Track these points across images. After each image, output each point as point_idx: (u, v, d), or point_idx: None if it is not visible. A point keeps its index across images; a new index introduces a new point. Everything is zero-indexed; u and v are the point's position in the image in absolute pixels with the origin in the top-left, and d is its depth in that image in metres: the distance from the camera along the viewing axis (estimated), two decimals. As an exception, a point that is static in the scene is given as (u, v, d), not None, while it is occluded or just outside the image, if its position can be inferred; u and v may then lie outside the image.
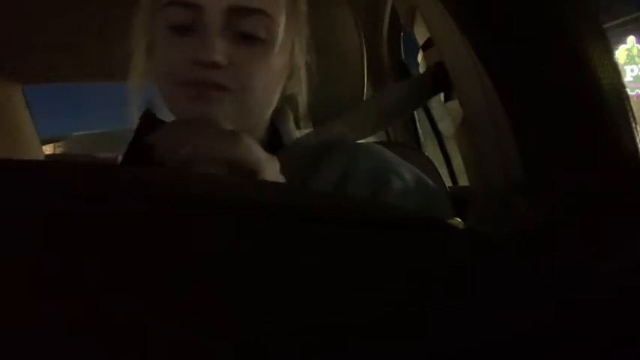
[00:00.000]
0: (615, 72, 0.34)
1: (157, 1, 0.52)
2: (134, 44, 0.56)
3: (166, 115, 0.57)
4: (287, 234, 0.21)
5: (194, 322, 0.18)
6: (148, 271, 0.19)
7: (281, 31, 0.52)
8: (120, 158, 0.62)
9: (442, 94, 0.68)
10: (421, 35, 0.66)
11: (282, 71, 0.55)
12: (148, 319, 0.18)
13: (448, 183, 1.20)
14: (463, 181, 1.41)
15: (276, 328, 0.18)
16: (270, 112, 0.56)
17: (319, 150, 0.57)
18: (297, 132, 0.62)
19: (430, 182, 0.57)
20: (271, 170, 0.44)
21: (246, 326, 0.18)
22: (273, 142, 0.58)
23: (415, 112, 1.42)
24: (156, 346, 0.18)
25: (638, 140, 0.34)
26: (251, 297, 0.19)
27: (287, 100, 0.62)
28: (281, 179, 0.46)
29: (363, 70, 0.71)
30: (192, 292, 0.19)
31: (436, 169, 0.99)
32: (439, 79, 0.61)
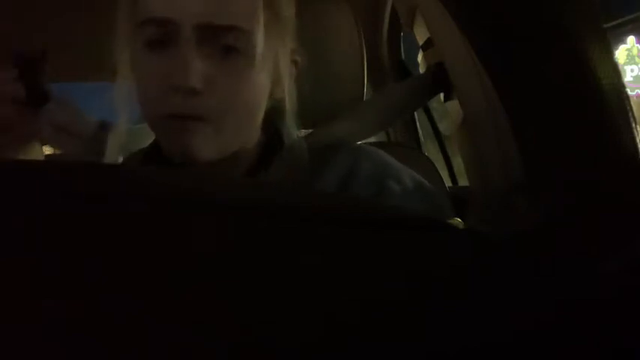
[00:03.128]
0: (615, 72, 0.34)
1: (133, 18, 0.51)
2: (117, 59, 0.54)
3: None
4: (287, 234, 0.21)
5: (194, 322, 0.18)
6: (148, 271, 0.19)
7: (260, 44, 0.50)
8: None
9: (442, 94, 0.68)
10: (421, 35, 0.66)
11: (265, 85, 0.53)
12: (148, 319, 0.18)
13: (448, 183, 1.20)
14: (463, 181, 1.41)
15: (276, 328, 0.18)
16: (256, 126, 0.55)
17: (322, 151, 0.57)
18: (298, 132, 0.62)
19: (429, 185, 0.57)
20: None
21: (246, 326, 0.18)
22: (274, 142, 0.58)
23: (415, 112, 1.42)
24: (156, 346, 0.18)
25: (638, 140, 0.34)
26: (251, 297, 0.19)
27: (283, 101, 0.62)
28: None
29: (363, 70, 0.71)
30: (192, 292, 0.19)
31: (436, 169, 0.99)
32: (439, 79, 0.61)
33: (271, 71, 0.54)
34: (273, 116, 0.59)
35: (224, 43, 0.49)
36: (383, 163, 0.57)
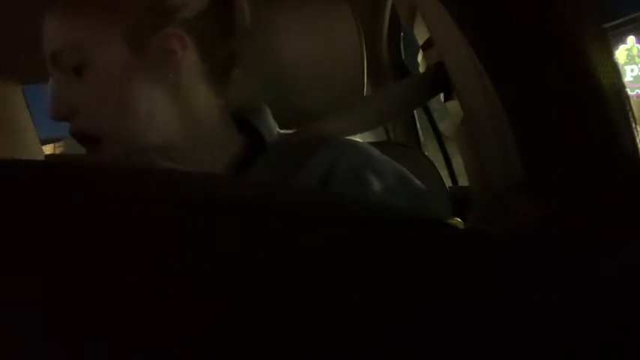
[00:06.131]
0: (615, 72, 0.34)
1: None
2: None
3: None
4: (292, 234, 0.21)
5: (196, 322, 0.18)
6: (168, 272, 0.19)
7: (109, 52, 0.50)
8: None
9: (442, 94, 0.68)
10: (421, 35, 0.66)
11: (135, 81, 0.51)
12: (150, 319, 0.18)
13: (448, 183, 1.20)
14: (463, 181, 1.41)
15: (278, 326, 0.18)
16: (158, 124, 0.53)
17: (305, 147, 0.56)
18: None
19: (416, 182, 0.57)
20: None
21: (249, 325, 0.18)
22: (256, 142, 0.57)
23: (415, 112, 1.42)
24: (157, 345, 0.18)
25: (638, 140, 0.34)
26: (256, 297, 0.19)
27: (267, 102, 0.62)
28: None
29: (363, 70, 0.71)
30: (196, 292, 0.19)
31: (436, 169, 0.99)
32: (439, 79, 0.61)
33: (160, 73, 0.52)
34: (252, 117, 0.59)
35: (70, 64, 0.51)
36: (365, 158, 0.56)
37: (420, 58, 0.70)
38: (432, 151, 1.49)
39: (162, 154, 0.53)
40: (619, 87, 0.34)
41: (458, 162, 1.42)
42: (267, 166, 0.55)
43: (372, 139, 0.98)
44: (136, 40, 0.51)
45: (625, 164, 0.33)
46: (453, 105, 0.60)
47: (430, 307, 0.20)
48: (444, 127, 1.52)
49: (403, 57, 1.40)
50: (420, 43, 0.68)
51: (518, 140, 0.34)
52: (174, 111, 0.53)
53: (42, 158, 0.97)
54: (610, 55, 0.35)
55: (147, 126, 0.52)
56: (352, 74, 0.71)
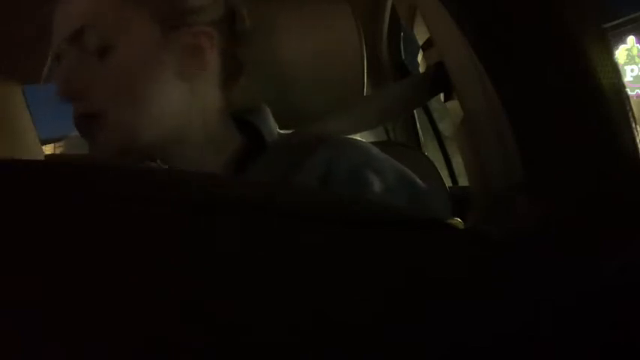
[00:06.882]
0: (615, 72, 0.34)
1: None
2: None
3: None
4: (292, 234, 0.21)
5: (197, 322, 0.18)
6: (152, 271, 0.19)
7: (127, 33, 0.51)
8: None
9: (442, 94, 0.68)
10: (421, 35, 0.66)
11: (158, 72, 0.52)
12: (150, 319, 0.18)
13: (448, 183, 1.21)
14: (463, 181, 1.41)
15: (278, 327, 0.18)
16: (165, 112, 0.53)
17: (305, 147, 0.56)
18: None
19: (417, 181, 0.57)
20: None
21: (249, 325, 0.18)
22: (256, 142, 0.57)
23: (415, 112, 1.42)
24: (157, 346, 0.18)
25: (638, 140, 0.34)
26: (256, 297, 0.19)
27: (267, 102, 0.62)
28: None
29: (363, 70, 0.71)
30: (196, 292, 0.19)
31: (436, 169, 0.99)
32: (439, 79, 0.61)
33: (178, 59, 0.52)
34: (252, 117, 0.59)
35: (92, 45, 0.51)
36: (365, 157, 0.55)
37: (420, 58, 0.70)
38: (432, 151, 1.49)
39: (164, 152, 0.53)
40: (619, 87, 0.34)
41: (458, 162, 1.42)
42: (267, 166, 0.55)
43: (372, 139, 0.98)
44: (165, 32, 0.52)
45: (625, 164, 0.33)
46: (453, 105, 0.60)
47: (430, 307, 0.20)
48: (444, 127, 1.52)
49: (403, 57, 1.40)
50: (420, 43, 0.67)
51: (518, 140, 0.34)
52: (186, 109, 0.54)
53: (42, 158, 0.97)
54: (610, 55, 0.35)
55: (155, 121, 0.52)
56: (352, 74, 0.71)
